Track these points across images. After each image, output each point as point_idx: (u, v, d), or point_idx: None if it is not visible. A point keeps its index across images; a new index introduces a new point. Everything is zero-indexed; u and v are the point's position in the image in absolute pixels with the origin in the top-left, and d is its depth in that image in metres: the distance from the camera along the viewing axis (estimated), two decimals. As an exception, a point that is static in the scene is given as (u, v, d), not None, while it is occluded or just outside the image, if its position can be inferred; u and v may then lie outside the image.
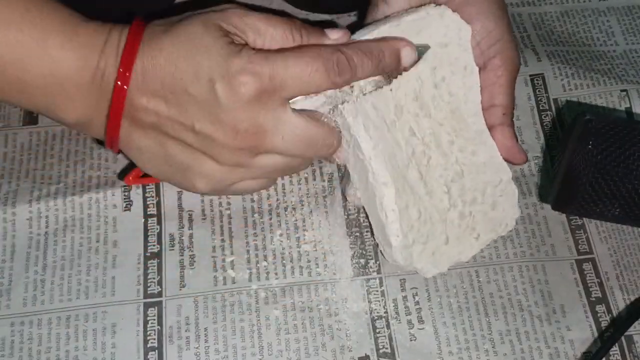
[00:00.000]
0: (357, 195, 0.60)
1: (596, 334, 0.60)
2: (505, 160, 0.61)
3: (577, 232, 0.65)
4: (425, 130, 0.59)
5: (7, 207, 0.64)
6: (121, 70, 0.54)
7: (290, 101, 0.55)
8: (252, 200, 0.65)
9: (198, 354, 0.58)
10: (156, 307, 0.60)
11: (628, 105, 0.71)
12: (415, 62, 0.58)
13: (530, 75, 0.73)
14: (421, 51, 0.59)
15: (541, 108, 0.71)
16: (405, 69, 0.58)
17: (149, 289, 0.61)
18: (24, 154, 0.67)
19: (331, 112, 0.57)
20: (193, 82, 0.53)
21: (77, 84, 0.54)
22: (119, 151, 0.58)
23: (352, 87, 0.58)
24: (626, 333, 0.59)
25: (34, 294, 0.60)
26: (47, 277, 0.61)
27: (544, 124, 0.70)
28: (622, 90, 0.71)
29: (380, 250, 0.61)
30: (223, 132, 0.54)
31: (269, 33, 0.55)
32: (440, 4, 0.60)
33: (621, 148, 0.59)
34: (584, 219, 0.65)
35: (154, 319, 0.60)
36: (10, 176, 0.66)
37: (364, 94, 0.57)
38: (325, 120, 0.57)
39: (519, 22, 0.77)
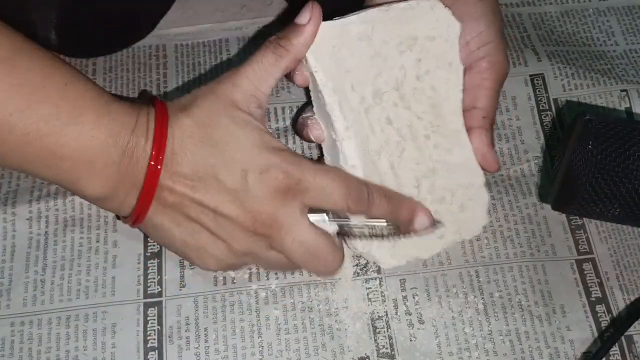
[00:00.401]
0: None
1: (596, 334, 0.60)
2: (480, 165, 0.62)
3: (577, 232, 0.65)
4: (402, 122, 0.59)
5: (7, 207, 0.64)
6: (154, 152, 0.55)
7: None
8: (252, 200, 0.65)
9: (198, 354, 0.58)
10: (156, 307, 0.60)
11: (628, 105, 0.71)
12: (429, 230, 0.59)
13: (530, 75, 0.73)
14: (435, 224, 0.59)
15: (541, 108, 0.71)
16: (415, 232, 0.58)
17: (149, 289, 0.61)
18: (24, 154, 0.67)
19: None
20: (224, 170, 0.55)
21: (106, 161, 0.55)
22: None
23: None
24: (626, 333, 0.59)
25: (34, 294, 0.60)
26: (47, 277, 0.61)
27: (544, 124, 0.70)
28: (622, 90, 0.71)
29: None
30: (244, 217, 0.55)
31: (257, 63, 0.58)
32: None
33: (621, 148, 0.59)
34: (584, 219, 0.65)
35: (154, 319, 0.60)
36: (10, 176, 0.66)
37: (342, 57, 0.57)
38: (337, 243, 0.58)
39: (519, 22, 0.77)
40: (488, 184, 0.65)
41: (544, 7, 0.79)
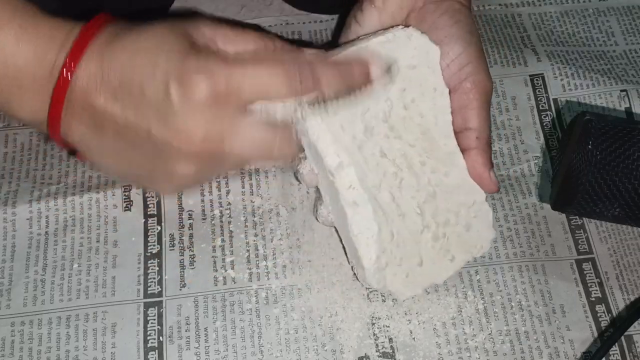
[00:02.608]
0: (330, 217, 0.59)
1: (596, 334, 0.60)
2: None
3: (577, 232, 0.65)
4: (396, 152, 0.58)
5: (7, 207, 0.64)
6: (67, 61, 0.51)
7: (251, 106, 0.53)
8: (252, 201, 0.65)
9: (198, 354, 0.58)
10: (156, 307, 0.60)
11: (628, 105, 0.71)
12: (386, 79, 0.57)
13: (530, 75, 0.73)
14: (390, 64, 0.57)
15: (541, 108, 0.71)
16: (374, 85, 0.56)
17: (149, 288, 0.61)
18: (24, 154, 0.67)
19: (294, 123, 0.55)
20: (149, 82, 0.51)
21: (33, 79, 0.52)
22: (81, 157, 0.56)
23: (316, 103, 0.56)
24: (626, 333, 0.59)
25: (34, 294, 0.60)
26: (47, 277, 0.61)
27: (544, 124, 0.70)
28: (622, 90, 0.71)
29: (354, 273, 0.60)
30: (178, 139, 0.51)
31: (240, 44, 0.53)
32: (408, 26, 0.60)
33: (621, 148, 0.59)
34: (584, 219, 0.65)
35: (154, 319, 0.60)
36: (10, 176, 0.66)
37: (332, 112, 0.56)
38: (284, 126, 0.54)
39: (519, 22, 0.77)
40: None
41: (544, 7, 0.79)
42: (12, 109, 0.54)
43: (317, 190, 0.60)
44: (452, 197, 0.60)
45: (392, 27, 0.60)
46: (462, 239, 0.60)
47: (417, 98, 0.59)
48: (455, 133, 0.60)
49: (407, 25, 0.60)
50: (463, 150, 0.60)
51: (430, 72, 0.60)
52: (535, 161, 0.68)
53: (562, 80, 0.72)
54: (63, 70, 0.52)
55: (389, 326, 0.60)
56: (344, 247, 0.61)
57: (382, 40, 0.59)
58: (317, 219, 0.61)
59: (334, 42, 0.65)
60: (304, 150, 0.59)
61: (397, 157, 0.59)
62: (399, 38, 0.59)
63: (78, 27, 0.53)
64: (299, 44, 0.58)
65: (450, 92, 0.60)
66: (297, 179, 0.61)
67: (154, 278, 0.61)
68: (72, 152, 0.57)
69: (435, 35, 0.60)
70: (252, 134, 0.52)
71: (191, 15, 0.58)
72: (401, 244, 0.58)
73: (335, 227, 0.61)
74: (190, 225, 0.64)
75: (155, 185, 0.56)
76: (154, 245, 0.63)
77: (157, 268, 0.62)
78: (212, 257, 0.62)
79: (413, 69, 0.59)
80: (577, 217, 0.65)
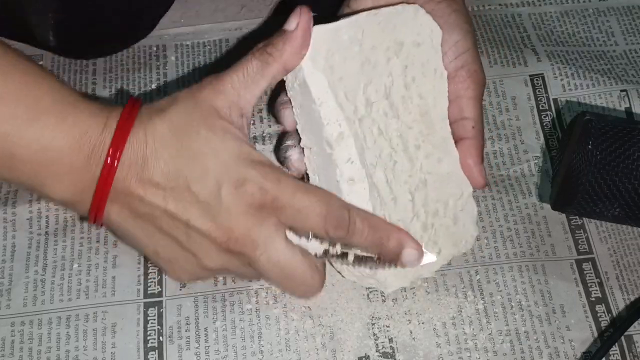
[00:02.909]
0: None
1: (596, 334, 0.60)
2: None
3: (577, 232, 0.65)
4: (393, 132, 0.58)
5: (7, 207, 0.64)
6: (111, 150, 0.53)
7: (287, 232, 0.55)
8: (252, 200, 0.65)
9: (198, 354, 0.58)
10: (156, 307, 0.60)
11: (628, 105, 0.71)
12: (415, 265, 0.57)
13: (530, 75, 0.73)
14: (425, 258, 0.57)
15: (541, 108, 0.71)
16: (402, 266, 0.57)
17: (149, 288, 0.61)
18: (24, 154, 0.67)
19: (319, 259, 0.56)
20: (198, 181, 0.53)
21: (70, 166, 0.53)
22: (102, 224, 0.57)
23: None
24: (626, 333, 0.59)
25: (34, 294, 0.60)
26: (47, 277, 0.61)
27: (544, 124, 0.70)
28: (621, 90, 0.71)
29: (338, 271, 0.60)
30: (216, 233, 0.53)
31: (242, 70, 0.55)
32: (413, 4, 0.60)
33: (621, 148, 0.59)
34: (584, 219, 0.65)
35: (154, 319, 0.60)
36: (10, 176, 0.66)
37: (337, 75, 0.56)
38: (316, 264, 0.56)
39: (519, 22, 0.77)
40: (488, 185, 0.65)
41: (544, 7, 0.79)
42: (45, 192, 0.55)
43: (306, 175, 0.60)
44: (442, 187, 0.59)
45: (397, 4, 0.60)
46: (449, 232, 0.60)
47: (418, 78, 0.59)
48: (450, 122, 0.60)
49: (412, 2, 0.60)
50: (457, 140, 0.60)
51: (432, 52, 0.60)
52: (535, 161, 0.68)
53: (562, 80, 0.72)
54: (107, 159, 0.53)
55: (389, 326, 0.60)
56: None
57: (391, 11, 0.58)
58: None
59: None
60: (292, 138, 0.59)
61: (394, 137, 0.58)
62: (407, 12, 0.59)
63: (115, 112, 0.55)
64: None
65: (447, 79, 0.60)
66: (281, 163, 0.61)
67: (154, 278, 0.61)
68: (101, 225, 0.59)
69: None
70: (284, 253, 0.54)
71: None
72: None
73: None
74: (190, 225, 0.64)
75: (172, 271, 0.58)
76: (154, 245, 0.63)
77: (157, 268, 0.61)
78: (212, 257, 0.62)
79: (417, 47, 0.59)
80: (577, 217, 0.65)
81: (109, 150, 0.53)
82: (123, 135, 0.53)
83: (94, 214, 0.55)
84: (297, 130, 0.59)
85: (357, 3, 0.61)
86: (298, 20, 0.55)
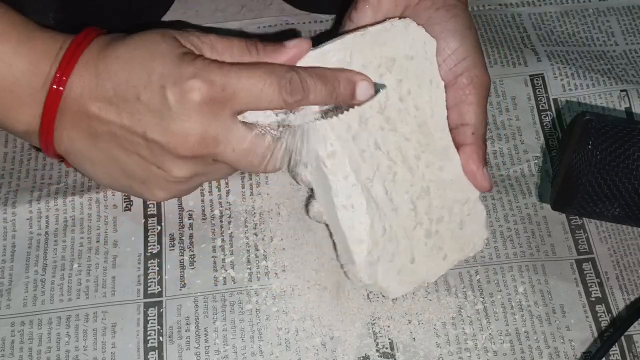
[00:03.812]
0: (320, 210, 0.59)
1: (596, 334, 0.60)
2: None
3: (577, 232, 0.65)
4: (390, 145, 0.58)
5: (7, 207, 0.64)
6: (58, 74, 0.53)
7: (239, 116, 0.55)
8: (253, 201, 0.65)
9: (198, 354, 0.58)
10: (156, 307, 0.60)
11: (628, 105, 0.71)
12: (371, 98, 0.57)
13: (530, 75, 0.73)
14: (377, 88, 0.57)
15: (541, 108, 0.71)
16: (359, 103, 0.57)
17: (149, 289, 0.61)
18: (24, 154, 0.67)
19: (281, 128, 0.56)
20: (145, 88, 0.52)
21: (29, 90, 0.53)
22: (66, 163, 0.57)
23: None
24: (626, 333, 0.59)
25: (34, 294, 0.60)
26: (47, 277, 0.61)
27: (544, 124, 0.70)
28: (621, 90, 0.71)
29: (345, 271, 0.60)
30: (174, 141, 0.53)
31: (227, 50, 0.55)
32: (405, 18, 0.60)
33: (621, 148, 0.59)
34: (584, 219, 0.65)
35: (154, 319, 0.60)
36: (10, 176, 0.66)
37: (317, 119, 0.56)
38: (265, 132, 0.55)
39: (519, 22, 0.77)
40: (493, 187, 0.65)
41: (544, 7, 0.79)
42: (7, 122, 0.55)
43: (311, 189, 0.60)
44: (445, 194, 0.59)
45: (389, 18, 0.60)
46: (455, 237, 0.60)
47: (414, 90, 0.59)
48: (451, 129, 0.60)
49: (404, 17, 0.60)
50: (458, 146, 0.60)
51: (427, 63, 0.60)
52: (535, 161, 0.68)
53: (562, 80, 0.72)
54: (54, 82, 0.53)
55: (389, 326, 0.60)
56: (334, 244, 0.60)
57: (379, 29, 0.59)
58: (307, 214, 0.61)
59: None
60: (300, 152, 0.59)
61: (392, 149, 0.58)
62: (396, 27, 0.59)
63: (70, 39, 0.55)
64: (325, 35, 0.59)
65: (446, 87, 0.60)
66: (294, 179, 0.61)
67: (154, 278, 0.61)
68: (61, 160, 0.58)
69: (432, 30, 0.60)
70: (246, 139, 0.54)
71: (179, 26, 0.59)
72: (393, 239, 0.58)
73: (326, 224, 0.60)
74: (190, 225, 0.64)
75: (149, 192, 0.57)
76: (154, 245, 0.63)
77: (157, 268, 0.62)
78: (212, 257, 0.62)
79: (410, 60, 0.59)
80: (577, 217, 0.65)
81: (59, 64, 0.53)
82: (74, 54, 0.53)
83: (44, 137, 0.54)
84: None
85: (358, 16, 0.61)
86: (298, 45, 0.56)
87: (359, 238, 0.57)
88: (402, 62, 0.59)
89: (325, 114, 0.56)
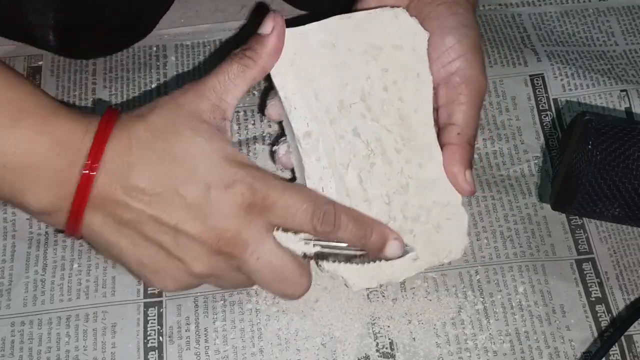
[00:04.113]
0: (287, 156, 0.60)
1: (596, 334, 0.60)
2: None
3: (577, 232, 0.65)
4: (370, 134, 0.58)
5: (7, 207, 0.64)
6: (92, 153, 0.52)
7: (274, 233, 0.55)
8: (252, 200, 0.65)
9: (198, 354, 0.58)
10: (156, 307, 0.60)
11: (628, 105, 0.71)
12: (398, 258, 0.57)
13: (530, 75, 0.73)
14: (407, 251, 0.57)
15: (541, 108, 0.71)
16: (385, 258, 0.57)
17: (149, 288, 0.61)
18: (24, 154, 0.67)
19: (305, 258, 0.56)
20: (186, 183, 0.53)
21: (52, 171, 0.53)
22: (81, 237, 0.56)
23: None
24: (626, 333, 0.59)
25: (34, 294, 0.60)
26: (47, 277, 0.61)
27: (544, 124, 0.70)
28: (621, 90, 0.71)
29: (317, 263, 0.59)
30: (206, 235, 0.53)
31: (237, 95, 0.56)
32: (398, 7, 0.59)
33: (621, 148, 0.59)
34: (584, 219, 0.65)
35: (154, 319, 0.60)
36: (10, 176, 0.65)
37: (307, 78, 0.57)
38: (303, 263, 0.56)
39: (519, 22, 0.77)
40: (488, 185, 0.65)
41: (544, 7, 0.79)
42: (25, 201, 0.54)
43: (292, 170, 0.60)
44: (425, 193, 0.58)
45: (380, 7, 0.60)
46: (429, 240, 0.58)
47: (399, 81, 0.58)
48: (440, 128, 0.60)
49: (396, 6, 0.60)
50: (442, 145, 0.59)
51: (415, 55, 0.59)
52: (535, 161, 0.68)
53: (562, 80, 0.72)
54: (86, 167, 0.52)
55: (389, 326, 0.60)
56: None
57: (366, 16, 0.58)
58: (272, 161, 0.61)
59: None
60: (284, 135, 0.60)
61: (372, 140, 0.58)
62: (386, 16, 0.59)
63: (96, 120, 0.54)
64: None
65: (439, 85, 0.60)
66: (272, 160, 0.61)
67: (154, 278, 0.61)
68: (79, 238, 0.57)
69: (429, 25, 0.60)
70: (274, 253, 0.54)
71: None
72: None
73: None
74: (190, 225, 0.64)
75: (159, 281, 0.56)
76: (154, 245, 0.63)
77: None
78: (212, 257, 0.62)
79: (398, 50, 0.58)
80: (577, 217, 0.65)
81: (89, 154, 0.52)
82: (103, 138, 0.53)
83: (73, 222, 0.54)
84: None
85: (363, 6, 0.61)
86: (273, 23, 0.57)
87: None
88: (389, 51, 0.58)
89: (349, 259, 0.57)
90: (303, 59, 0.58)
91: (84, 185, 0.53)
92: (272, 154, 0.63)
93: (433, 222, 0.59)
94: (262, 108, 0.67)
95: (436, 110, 0.61)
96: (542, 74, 0.73)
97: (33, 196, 0.53)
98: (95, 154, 0.52)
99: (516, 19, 0.78)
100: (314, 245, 0.56)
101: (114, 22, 0.72)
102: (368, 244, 0.56)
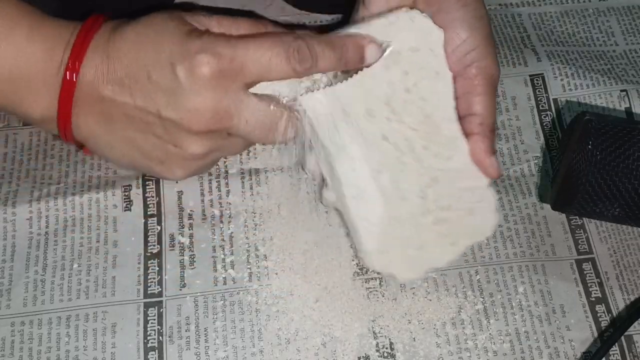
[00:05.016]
0: (333, 199, 0.60)
1: (596, 334, 0.60)
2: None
3: (577, 232, 0.65)
4: (398, 136, 0.59)
5: (7, 207, 0.64)
6: (70, 62, 0.53)
7: (252, 88, 0.55)
8: (254, 201, 0.65)
9: (198, 354, 0.58)
10: (156, 307, 0.60)
11: (628, 105, 0.71)
12: (379, 58, 0.58)
13: (530, 75, 0.73)
14: (384, 48, 0.58)
15: (541, 108, 0.71)
16: (368, 66, 0.57)
17: (149, 289, 0.61)
18: (24, 154, 0.67)
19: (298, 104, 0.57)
20: (155, 67, 0.53)
21: (44, 77, 0.54)
22: (85, 150, 0.58)
23: (314, 81, 0.58)
24: (626, 333, 0.59)
25: (34, 294, 0.60)
26: (47, 277, 0.61)
27: (544, 124, 0.70)
28: (622, 90, 0.71)
29: (360, 258, 0.60)
30: (188, 118, 0.53)
31: (234, 26, 0.56)
32: (412, 9, 0.60)
33: (621, 148, 0.59)
34: (584, 219, 0.65)
35: (154, 319, 0.60)
36: (10, 176, 0.66)
37: (332, 87, 0.57)
38: (286, 103, 0.56)
39: (519, 22, 0.77)
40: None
41: (544, 7, 0.79)
42: (23, 109, 0.55)
43: (322, 176, 0.60)
44: (454, 182, 0.60)
45: (396, 9, 0.60)
46: (464, 224, 0.60)
47: (419, 81, 0.59)
48: (460, 118, 0.60)
49: (411, 8, 0.60)
50: (466, 135, 0.60)
51: (433, 55, 0.60)
52: (535, 161, 0.68)
53: (562, 80, 0.72)
54: (67, 70, 0.53)
55: (389, 326, 0.60)
56: (347, 231, 0.61)
57: (384, 23, 0.59)
58: (322, 203, 0.62)
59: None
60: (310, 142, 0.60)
61: (399, 140, 0.59)
62: (401, 20, 0.59)
63: (80, 25, 0.55)
64: (324, 28, 0.60)
65: (455, 78, 0.60)
66: (303, 169, 0.62)
67: (154, 278, 0.61)
68: (80, 146, 0.59)
69: (441, 19, 0.60)
70: (259, 110, 0.54)
71: (187, 7, 0.60)
72: (402, 227, 0.58)
73: (339, 211, 0.61)
74: (190, 225, 0.64)
75: (168, 171, 0.57)
76: (154, 245, 0.63)
77: (157, 268, 0.62)
78: (212, 257, 0.62)
79: (415, 52, 0.59)
80: (577, 217, 0.65)
81: (71, 52, 0.53)
82: (87, 37, 0.54)
83: (63, 125, 0.54)
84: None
85: (372, 3, 0.61)
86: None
87: (370, 227, 0.58)
88: (407, 54, 0.59)
89: (334, 78, 0.57)
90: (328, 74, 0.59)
91: (67, 87, 0.53)
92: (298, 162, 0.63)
93: (464, 207, 0.60)
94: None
95: (455, 100, 0.61)
96: (542, 74, 0.73)
97: (29, 105, 0.54)
98: (77, 54, 0.53)
99: (516, 19, 0.78)
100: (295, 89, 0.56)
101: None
102: (348, 60, 0.56)
